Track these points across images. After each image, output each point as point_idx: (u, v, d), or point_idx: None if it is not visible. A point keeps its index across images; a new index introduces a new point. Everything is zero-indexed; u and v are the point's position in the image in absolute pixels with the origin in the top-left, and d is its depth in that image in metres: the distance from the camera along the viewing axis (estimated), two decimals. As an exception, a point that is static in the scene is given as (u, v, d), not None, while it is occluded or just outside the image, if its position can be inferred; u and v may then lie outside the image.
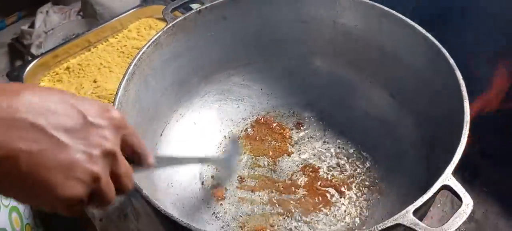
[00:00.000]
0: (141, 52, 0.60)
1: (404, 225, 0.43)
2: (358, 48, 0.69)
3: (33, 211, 0.75)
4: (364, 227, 0.60)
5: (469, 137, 0.49)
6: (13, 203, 0.67)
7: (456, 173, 0.47)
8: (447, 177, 0.46)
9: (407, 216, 0.43)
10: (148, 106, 0.64)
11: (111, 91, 0.83)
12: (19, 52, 1.17)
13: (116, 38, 0.95)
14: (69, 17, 1.17)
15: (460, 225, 0.69)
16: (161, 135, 0.67)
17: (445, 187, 0.46)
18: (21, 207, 0.69)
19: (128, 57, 0.91)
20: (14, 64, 1.15)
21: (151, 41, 0.62)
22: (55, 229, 0.84)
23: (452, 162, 0.47)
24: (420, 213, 0.45)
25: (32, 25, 1.17)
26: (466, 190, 0.45)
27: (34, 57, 0.93)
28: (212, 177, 0.68)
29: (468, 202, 0.44)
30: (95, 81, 0.86)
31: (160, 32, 0.63)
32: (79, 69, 0.89)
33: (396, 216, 0.43)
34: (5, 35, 1.24)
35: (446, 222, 0.43)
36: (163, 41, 0.64)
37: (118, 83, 0.57)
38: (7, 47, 1.21)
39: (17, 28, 1.24)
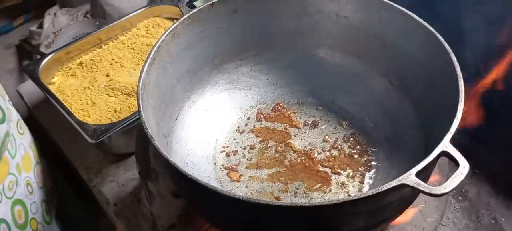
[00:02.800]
0: (160, 40, 0.65)
1: (408, 185, 0.48)
2: (359, 39, 0.74)
3: (46, 207, 0.77)
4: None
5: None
6: (17, 195, 0.69)
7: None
8: (445, 144, 0.51)
9: (410, 177, 0.48)
10: (166, 92, 0.68)
11: (124, 84, 0.87)
12: (27, 52, 1.22)
13: (126, 36, 1.00)
14: (76, 18, 1.21)
15: (455, 203, 0.74)
16: (176, 119, 0.71)
17: (444, 153, 0.51)
18: (27, 201, 0.71)
19: (138, 53, 0.95)
20: (22, 64, 1.19)
21: (169, 30, 0.67)
22: (71, 224, 0.88)
23: (449, 132, 0.52)
24: (422, 177, 0.49)
25: (40, 26, 1.22)
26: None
27: (44, 55, 0.97)
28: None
29: (464, 165, 0.49)
30: (107, 75, 0.90)
31: (177, 23, 0.68)
32: (92, 65, 0.93)
33: (400, 177, 0.48)
34: (12, 36, 1.29)
35: (446, 182, 0.48)
36: (179, 31, 0.69)
37: (139, 72, 0.62)
38: (14, 48, 1.25)
39: (24, 30, 1.28)
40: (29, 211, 0.71)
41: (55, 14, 1.22)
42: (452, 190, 0.48)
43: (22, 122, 0.76)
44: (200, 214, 0.62)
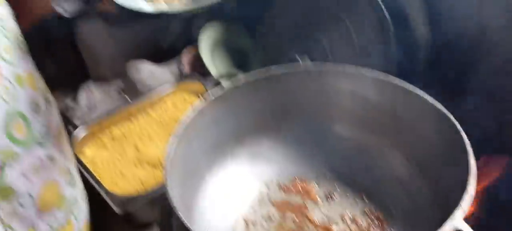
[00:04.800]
0: (186, 118, 0.70)
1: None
2: (375, 117, 0.78)
3: None
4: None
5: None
6: None
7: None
8: (457, 221, 0.53)
9: (423, 253, 0.50)
10: (190, 166, 0.72)
11: (152, 156, 0.92)
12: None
13: (155, 110, 1.06)
14: (109, 94, 1.29)
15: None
16: (198, 190, 0.75)
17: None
18: None
19: (166, 127, 1.01)
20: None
21: (195, 108, 0.72)
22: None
23: (460, 208, 0.54)
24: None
25: (74, 99, 1.29)
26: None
27: (77, 127, 1.02)
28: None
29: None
30: (137, 148, 0.95)
31: (203, 102, 0.73)
32: (122, 137, 0.99)
33: (413, 254, 0.50)
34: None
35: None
36: (205, 109, 0.74)
37: (166, 146, 0.67)
38: (50, 120, 1.32)
39: (59, 103, 1.36)
40: None
41: (89, 89, 1.30)
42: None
43: (85, 192, 0.80)
44: None
